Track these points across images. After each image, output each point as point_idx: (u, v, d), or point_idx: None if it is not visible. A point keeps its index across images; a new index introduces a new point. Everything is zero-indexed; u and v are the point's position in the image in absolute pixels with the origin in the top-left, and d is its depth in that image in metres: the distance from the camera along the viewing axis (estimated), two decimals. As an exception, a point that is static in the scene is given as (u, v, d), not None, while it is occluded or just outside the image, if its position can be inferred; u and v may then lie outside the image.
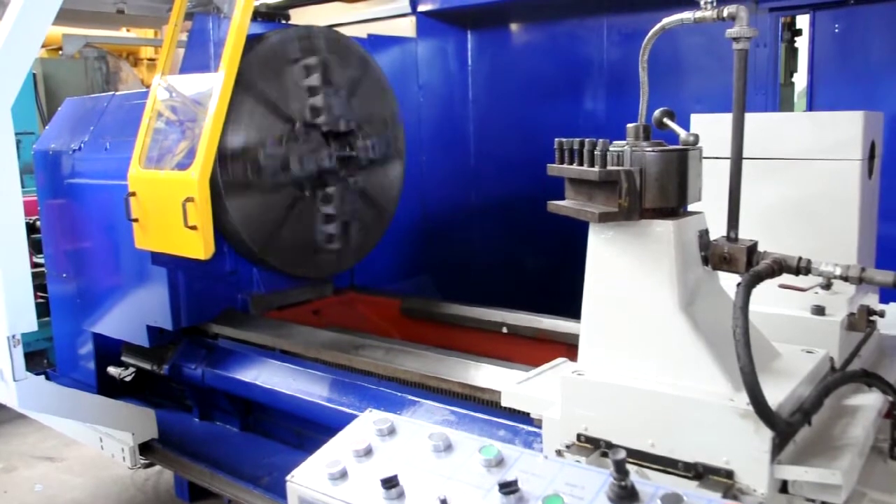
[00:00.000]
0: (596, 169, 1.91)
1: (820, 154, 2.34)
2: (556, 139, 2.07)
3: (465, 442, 1.67)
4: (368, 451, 1.69)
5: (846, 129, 2.30)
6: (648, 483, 1.47)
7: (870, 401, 2.11)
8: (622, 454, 1.39)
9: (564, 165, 2.05)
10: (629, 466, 1.89)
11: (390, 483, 1.50)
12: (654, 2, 4.52)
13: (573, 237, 5.55)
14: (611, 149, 1.94)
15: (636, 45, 5.27)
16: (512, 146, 5.43)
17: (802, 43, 4.40)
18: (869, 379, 1.99)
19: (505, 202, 5.52)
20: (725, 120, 2.35)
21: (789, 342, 2.16)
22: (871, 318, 2.33)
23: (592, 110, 5.11)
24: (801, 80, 4.46)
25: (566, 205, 2.05)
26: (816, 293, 2.35)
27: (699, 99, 4.46)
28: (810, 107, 4.17)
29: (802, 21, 4.36)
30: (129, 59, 10.66)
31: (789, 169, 2.39)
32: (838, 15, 4.12)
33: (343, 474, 1.62)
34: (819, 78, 4.17)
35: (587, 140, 1.96)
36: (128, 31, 11.22)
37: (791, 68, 4.44)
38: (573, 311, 3.98)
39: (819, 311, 2.29)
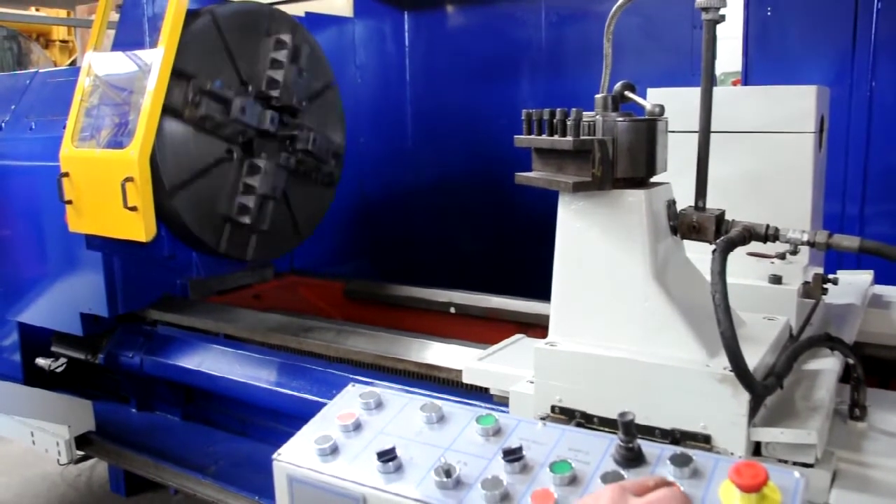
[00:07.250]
0: (570, 138, 1.90)
1: (774, 127, 2.40)
2: (524, 110, 2.04)
3: (458, 412, 1.64)
4: (358, 426, 1.63)
5: (800, 103, 2.36)
6: (655, 444, 1.46)
7: (828, 365, 2.17)
8: (631, 416, 1.39)
9: (533, 136, 2.03)
10: (607, 434, 1.91)
11: (388, 456, 1.45)
12: (593, -17, 4.57)
13: (513, 215, 5.57)
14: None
15: (574, 27, 5.30)
16: (449, 127, 5.41)
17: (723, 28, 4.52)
18: (832, 343, 2.04)
19: (443, 182, 5.50)
20: (681, 94, 2.40)
21: (748, 310, 2.20)
22: (825, 285, 2.40)
23: (530, 91, 5.13)
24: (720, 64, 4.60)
25: (535, 176, 2.03)
26: (773, 263, 2.41)
27: (636, 79, 4.52)
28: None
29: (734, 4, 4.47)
30: (39, 40, 10.15)
31: (744, 142, 2.44)
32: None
33: (334, 449, 1.56)
34: (753, 58, 4.28)
35: (559, 110, 1.95)
36: (37, 10, 10.66)
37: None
38: (517, 290, 4.02)
39: (776, 280, 2.35)
